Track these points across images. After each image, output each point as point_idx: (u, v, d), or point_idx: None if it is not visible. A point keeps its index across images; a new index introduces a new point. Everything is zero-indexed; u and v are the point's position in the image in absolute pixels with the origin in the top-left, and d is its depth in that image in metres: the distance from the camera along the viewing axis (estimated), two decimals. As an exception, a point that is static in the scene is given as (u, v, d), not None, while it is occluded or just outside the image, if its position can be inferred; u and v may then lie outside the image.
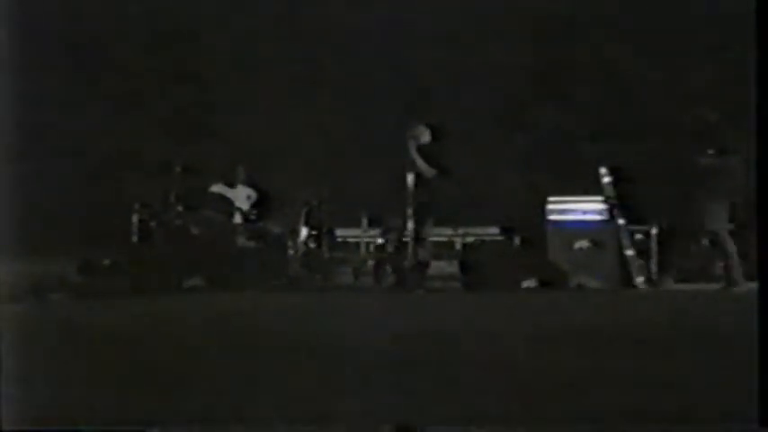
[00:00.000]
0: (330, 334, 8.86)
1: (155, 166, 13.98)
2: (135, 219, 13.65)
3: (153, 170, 13.98)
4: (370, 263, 13.72)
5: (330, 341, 8.36)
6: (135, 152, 14.39)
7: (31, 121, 14.54)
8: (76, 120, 14.78)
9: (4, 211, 13.43)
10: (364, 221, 13.98)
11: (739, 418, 5.12)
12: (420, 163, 13.26)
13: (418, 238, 13.29)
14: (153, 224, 13.77)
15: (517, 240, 13.97)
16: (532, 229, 14.01)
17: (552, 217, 13.93)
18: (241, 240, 13.82)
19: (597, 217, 13.90)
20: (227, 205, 14.09)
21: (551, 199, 13.96)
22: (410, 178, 13.21)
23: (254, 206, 14.19)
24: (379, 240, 14.01)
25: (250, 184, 14.20)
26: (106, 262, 13.28)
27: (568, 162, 14.23)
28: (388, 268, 13.56)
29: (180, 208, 13.83)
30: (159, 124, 14.74)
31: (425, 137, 13.32)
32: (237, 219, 14.04)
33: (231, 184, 14.17)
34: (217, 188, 14.17)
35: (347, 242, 14.10)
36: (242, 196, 14.16)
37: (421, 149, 13.37)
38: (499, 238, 14.05)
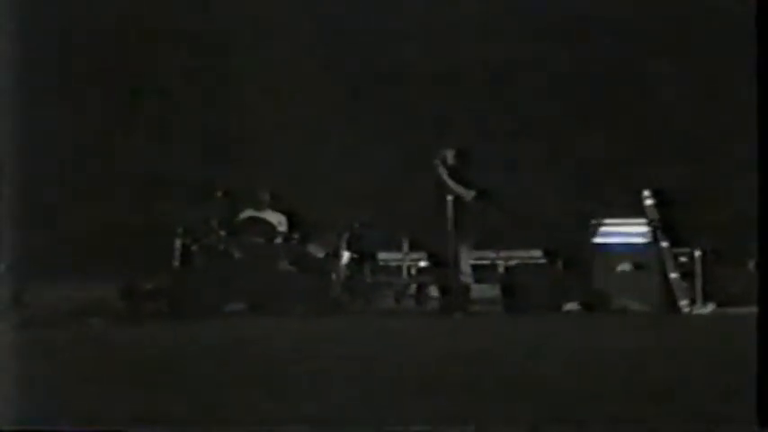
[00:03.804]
0: (371, 357, 9.06)
1: (197, 190, 14.23)
2: (177, 243, 13.90)
3: (195, 195, 14.23)
4: (413, 286, 13.90)
5: (371, 364, 8.57)
6: (177, 177, 14.66)
7: (73, 146, 14.86)
8: (120, 144, 15.07)
9: (47, 236, 13.76)
10: (405, 245, 14.16)
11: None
12: (454, 186, 13.50)
13: (460, 262, 13.48)
14: (195, 248, 14.01)
15: (560, 263, 14.12)
16: (576, 252, 14.15)
17: (596, 240, 14.08)
18: (282, 265, 14.03)
19: (641, 240, 14.03)
20: (269, 229, 14.30)
21: (594, 222, 14.10)
22: (449, 201, 13.42)
23: (294, 230, 14.41)
24: (422, 263, 14.19)
25: (281, 207, 14.45)
26: (148, 286, 13.53)
27: (612, 184, 14.38)
28: (431, 292, 13.74)
29: (222, 232, 14.06)
30: (201, 149, 15.00)
31: (451, 159, 13.61)
32: (278, 241, 14.26)
33: (260, 209, 14.41)
34: (247, 213, 14.42)
35: (389, 266, 14.28)
36: (273, 221, 14.41)
37: (457, 172, 13.61)
38: (542, 261, 14.21)
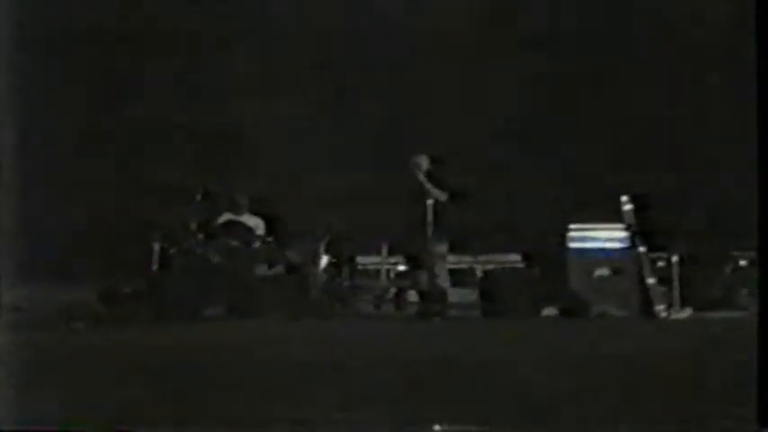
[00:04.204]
0: (350, 361, 9.17)
1: (175, 193, 14.32)
2: (156, 247, 13.99)
3: (173, 198, 14.32)
4: (392, 290, 14.03)
5: (350, 368, 8.68)
6: (156, 179, 14.75)
7: (55, 149, 14.94)
8: (100, 146, 15.16)
9: (29, 238, 13.82)
10: (384, 249, 14.29)
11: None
12: (429, 188, 13.67)
13: (436, 266, 13.62)
14: (173, 252, 14.09)
15: (538, 268, 14.27)
16: (553, 257, 14.30)
17: (573, 244, 14.23)
18: (261, 269, 14.14)
19: (618, 245, 14.19)
20: (247, 233, 14.41)
21: (572, 226, 14.26)
22: (429, 205, 13.57)
23: (272, 234, 14.52)
24: (400, 268, 14.33)
25: (261, 212, 14.56)
26: (127, 290, 13.62)
27: (589, 189, 14.53)
28: (409, 296, 13.87)
29: (200, 236, 14.15)
30: (180, 151, 15.10)
31: (425, 164, 13.80)
32: (256, 245, 14.37)
33: (238, 213, 14.51)
34: (226, 217, 14.52)
35: (367, 270, 14.41)
36: (251, 225, 14.52)
37: (433, 176, 13.77)
38: (520, 265, 14.35)
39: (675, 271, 14.00)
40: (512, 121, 14.95)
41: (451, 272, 14.05)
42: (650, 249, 14.17)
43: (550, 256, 14.41)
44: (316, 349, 10.45)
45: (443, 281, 13.80)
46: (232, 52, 15.35)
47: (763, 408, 5.16)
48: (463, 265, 14.37)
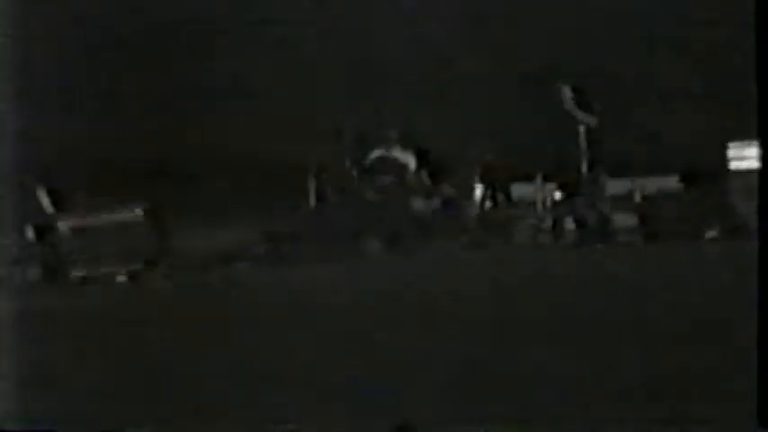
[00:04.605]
0: (513, 291, 9.15)
1: (329, 132, 14.41)
2: (312, 185, 14.10)
3: (327, 135, 14.40)
4: (549, 219, 13.93)
5: (513, 299, 8.66)
6: (309, 119, 14.85)
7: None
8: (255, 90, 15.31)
9: (191, 183, 14.05)
10: (539, 178, 14.16)
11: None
12: (579, 114, 13.50)
13: (594, 192, 13.47)
14: (329, 189, 14.19)
15: (698, 189, 13.98)
16: (713, 177, 14.02)
17: (734, 163, 13.90)
18: (416, 203, 14.16)
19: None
20: (399, 168, 14.41)
21: (731, 144, 13.93)
22: (581, 130, 13.42)
23: (425, 168, 14.50)
24: (556, 196, 14.20)
25: (409, 146, 14.53)
26: (287, 229, 13.76)
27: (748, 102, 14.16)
28: (567, 224, 13.75)
29: (354, 172, 14.22)
30: (328, 90, 15.15)
31: (569, 94, 13.63)
32: (410, 182, 14.38)
33: (389, 149, 14.51)
34: (378, 153, 14.53)
35: (523, 200, 14.32)
36: (403, 159, 14.51)
37: (580, 103, 13.62)
38: (678, 187, 14.09)
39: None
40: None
41: (609, 198, 13.88)
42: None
43: (710, 177, 14.12)
44: (474, 279, 10.43)
45: (603, 207, 13.63)
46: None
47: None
48: (621, 191, 14.16)
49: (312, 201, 14.18)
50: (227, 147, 15.01)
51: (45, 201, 13.60)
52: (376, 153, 14.66)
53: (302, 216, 14.01)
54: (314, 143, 14.61)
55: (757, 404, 5.24)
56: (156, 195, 13.39)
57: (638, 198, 14.18)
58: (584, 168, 13.65)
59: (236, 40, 15.56)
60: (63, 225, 13.36)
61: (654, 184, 14.26)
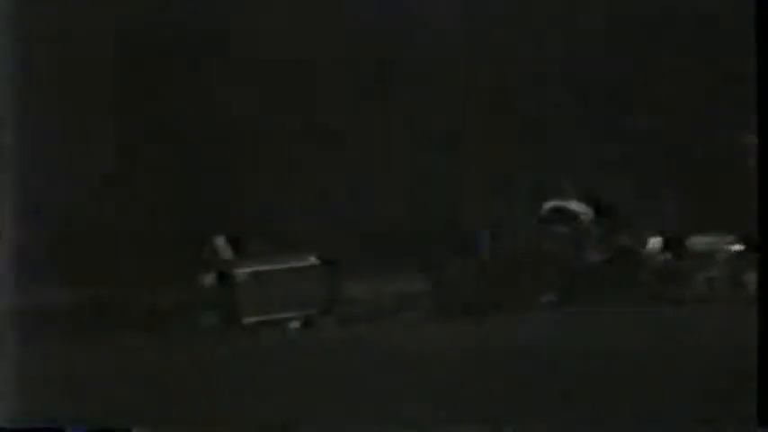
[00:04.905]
0: (686, 348, 9.00)
1: (500, 183, 14.40)
2: (484, 236, 14.09)
3: (499, 188, 14.39)
4: (727, 272, 13.64)
5: (685, 356, 8.52)
6: (481, 170, 14.86)
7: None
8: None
9: (356, 231, 14.19)
10: (715, 230, 13.91)
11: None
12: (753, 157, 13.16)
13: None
14: (502, 240, 14.16)
15: None
16: None
17: None
18: (592, 255, 14.02)
19: None
20: (575, 219, 14.31)
21: None
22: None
23: (602, 219, 14.38)
24: (735, 248, 13.91)
25: (585, 197, 14.42)
26: (455, 279, 13.76)
27: None
28: (747, 278, 13.45)
29: (529, 224, 14.17)
30: (501, 141, 15.13)
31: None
32: (585, 232, 14.26)
33: (565, 199, 14.41)
34: (553, 203, 14.44)
35: (700, 251, 14.06)
36: (579, 210, 14.40)
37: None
38: None
39: None
40: None
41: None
42: None
43: None
44: (651, 336, 10.28)
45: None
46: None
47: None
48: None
49: (485, 252, 14.17)
50: (396, 198, 15.13)
51: (223, 246, 13.88)
52: (551, 204, 14.59)
53: (475, 267, 14.00)
54: (486, 194, 14.61)
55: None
56: (330, 244, 13.56)
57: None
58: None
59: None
60: (240, 271, 13.60)
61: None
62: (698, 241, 14.17)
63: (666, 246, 14.05)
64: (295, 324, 13.07)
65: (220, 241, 13.80)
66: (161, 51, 14.58)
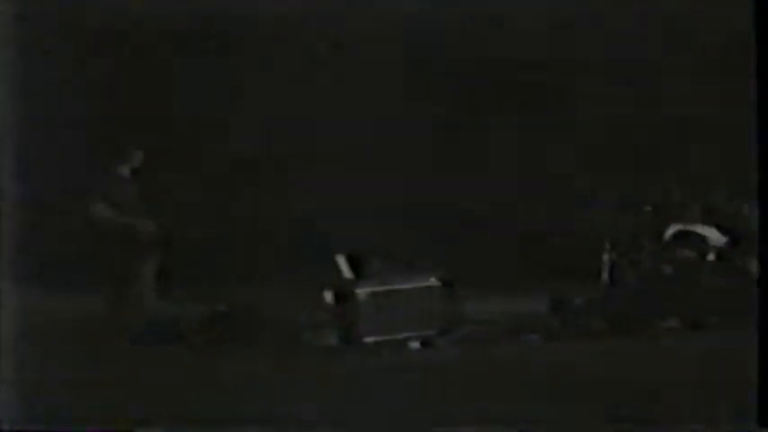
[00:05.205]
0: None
1: (625, 203, 14.30)
2: (605, 257, 14.00)
3: (623, 207, 14.29)
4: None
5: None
6: (606, 188, 14.77)
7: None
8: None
9: (476, 252, 14.18)
10: None
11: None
12: None
13: None
14: (623, 262, 14.06)
15: None
16: None
17: None
18: (715, 280, 13.84)
19: None
20: (701, 244, 14.14)
21: None
22: None
23: (729, 243, 14.18)
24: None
25: (715, 221, 14.22)
26: (578, 300, 13.70)
27: None
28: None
29: (651, 246, 14.05)
30: (617, 160, 15.03)
31: None
32: (711, 257, 14.06)
33: (689, 223, 14.24)
34: (676, 228, 14.28)
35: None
36: (706, 235, 14.21)
37: None
38: None
39: None
40: None
41: None
42: None
43: None
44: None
45: None
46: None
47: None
48: None
49: (605, 274, 14.07)
50: (519, 216, 15.10)
51: (344, 265, 13.97)
52: (675, 227, 14.44)
53: (595, 290, 13.91)
54: (609, 215, 14.52)
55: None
56: (451, 263, 13.58)
57: None
58: None
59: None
60: (361, 291, 13.67)
61: None
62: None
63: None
64: (415, 344, 13.10)
65: (341, 260, 13.89)
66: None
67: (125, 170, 13.62)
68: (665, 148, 15.05)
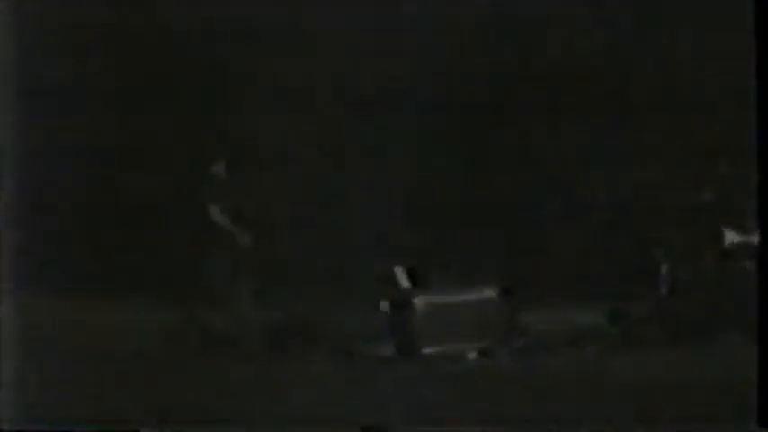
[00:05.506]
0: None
1: (685, 213, 14.24)
2: (665, 269, 13.95)
3: (683, 218, 14.24)
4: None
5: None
6: (664, 198, 14.71)
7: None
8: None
9: (534, 262, 14.17)
10: None
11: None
12: None
13: None
14: (682, 274, 14.01)
15: None
16: None
17: None
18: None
19: None
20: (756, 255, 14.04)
21: None
22: None
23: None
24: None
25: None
26: (638, 312, 13.66)
27: None
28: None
29: (709, 256, 13.98)
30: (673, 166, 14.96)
31: None
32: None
33: (748, 234, 14.15)
34: (735, 237, 14.20)
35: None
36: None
37: None
38: None
39: None
40: None
41: None
42: None
43: None
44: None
45: None
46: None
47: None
48: None
49: (665, 285, 14.02)
50: (578, 227, 15.08)
51: (402, 276, 14.00)
52: (731, 237, 14.36)
53: (655, 302, 13.86)
54: (669, 226, 14.46)
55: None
56: (510, 273, 13.58)
57: None
58: None
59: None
60: (419, 301, 13.70)
61: None
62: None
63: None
64: (472, 355, 13.10)
65: (399, 271, 13.92)
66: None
67: (220, 169, 13.74)
68: (723, 151, 14.97)
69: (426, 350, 13.27)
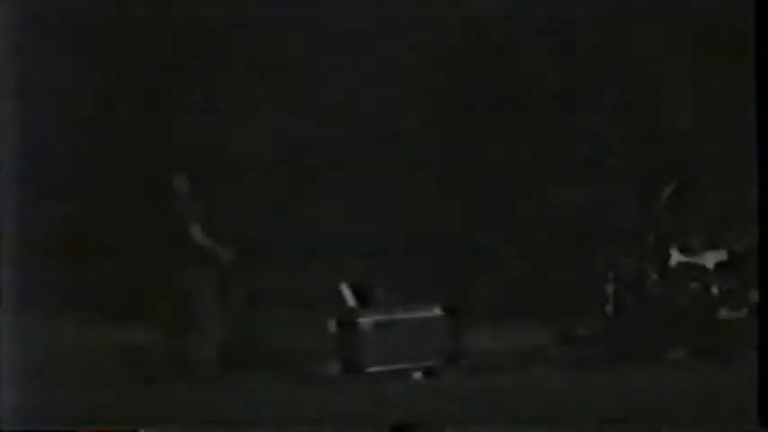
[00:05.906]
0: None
1: (628, 234, 14.28)
2: (610, 289, 13.98)
3: (626, 239, 14.27)
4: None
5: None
6: (609, 220, 14.76)
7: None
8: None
9: (480, 283, 14.15)
10: None
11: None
12: None
13: None
14: (627, 295, 14.03)
15: None
16: None
17: None
18: (723, 312, 13.80)
19: None
20: (704, 274, 14.11)
21: None
22: None
23: (732, 273, 14.13)
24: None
25: (715, 250, 14.19)
26: (583, 332, 13.68)
27: None
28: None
29: (655, 278, 14.02)
30: (633, 190, 15.01)
31: None
32: (714, 288, 14.03)
33: (692, 254, 14.21)
34: (678, 258, 14.25)
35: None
36: (711, 261, 14.17)
37: None
38: None
39: None
40: None
41: None
42: None
43: None
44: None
45: None
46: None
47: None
48: None
49: (610, 305, 14.04)
50: (523, 247, 15.09)
51: (348, 294, 13.95)
52: (677, 258, 14.41)
53: (599, 320, 13.88)
54: (612, 246, 14.49)
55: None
56: (453, 294, 13.56)
57: None
58: None
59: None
60: (364, 320, 13.64)
61: None
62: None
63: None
64: (418, 374, 13.06)
65: (345, 289, 13.86)
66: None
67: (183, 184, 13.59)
68: (668, 174, 15.03)
69: (372, 369, 13.21)
